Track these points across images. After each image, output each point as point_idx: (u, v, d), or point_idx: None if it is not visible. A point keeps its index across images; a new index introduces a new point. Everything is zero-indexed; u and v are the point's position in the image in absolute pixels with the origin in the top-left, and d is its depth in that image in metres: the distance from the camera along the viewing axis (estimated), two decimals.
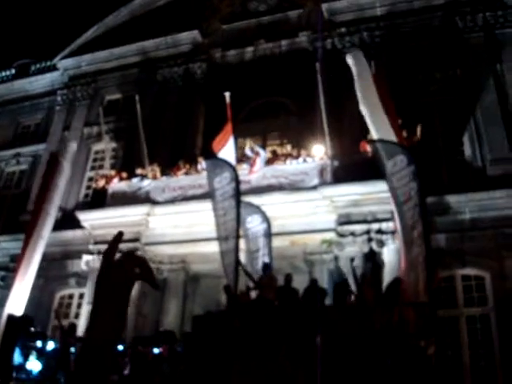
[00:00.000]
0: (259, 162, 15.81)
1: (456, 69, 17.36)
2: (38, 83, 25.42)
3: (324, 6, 19.58)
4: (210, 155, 15.61)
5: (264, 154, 16.20)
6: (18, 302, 15.94)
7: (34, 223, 16.95)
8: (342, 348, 8.06)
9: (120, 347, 12.11)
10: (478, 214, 14.62)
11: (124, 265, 1.81)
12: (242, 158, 16.62)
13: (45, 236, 16.83)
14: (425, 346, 9.47)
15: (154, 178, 17.41)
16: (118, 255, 1.86)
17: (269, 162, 16.24)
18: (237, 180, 13.13)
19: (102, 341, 1.73)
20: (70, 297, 19.02)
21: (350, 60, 14.86)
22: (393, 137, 13.73)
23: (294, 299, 10.63)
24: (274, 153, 16.87)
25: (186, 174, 17.08)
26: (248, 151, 16.55)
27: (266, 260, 13.88)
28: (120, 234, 1.91)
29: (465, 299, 14.40)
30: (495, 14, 17.67)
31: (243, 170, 15.51)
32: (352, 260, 11.90)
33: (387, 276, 13.21)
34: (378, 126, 13.89)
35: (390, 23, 18.78)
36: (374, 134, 13.95)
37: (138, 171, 17.74)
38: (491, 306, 14.03)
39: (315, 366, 7.83)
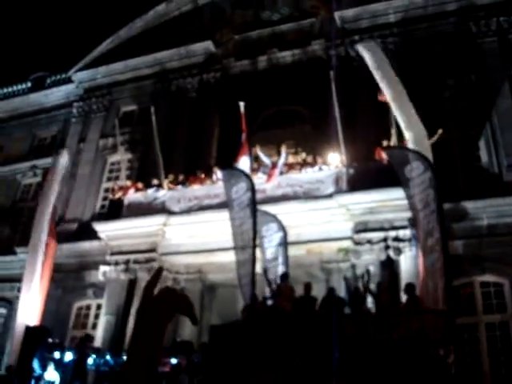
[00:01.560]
0: (277, 173, 15.78)
1: (470, 74, 17.27)
2: (54, 96, 25.67)
3: (337, 14, 19.62)
4: (226, 165, 15.62)
5: (282, 162, 16.11)
6: (28, 312, 16.12)
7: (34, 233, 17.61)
8: (361, 359, 8.01)
9: None
10: (496, 220, 14.50)
11: (164, 300, 1.87)
12: (258, 166, 16.56)
13: (39, 245, 17.18)
14: (444, 355, 9.39)
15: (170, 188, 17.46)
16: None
17: (285, 165, 16.19)
18: (253, 189, 13.09)
19: (140, 366, 1.78)
20: (88, 308, 19.06)
21: (363, 51, 14.79)
22: (423, 131, 13.75)
23: (312, 309, 10.60)
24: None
25: (202, 183, 17.09)
26: (265, 158, 16.51)
27: (282, 269, 13.80)
28: (160, 269, 1.98)
29: (484, 306, 14.23)
30: (509, 19, 17.56)
31: (258, 178, 15.49)
32: (368, 272, 11.68)
33: (404, 284, 13.10)
34: (408, 119, 13.91)
35: (404, 30, 18.77)
36: (404, 129, 13.97)
37: (154, 182, 17.79)
38: (511, 313, 13.87)
39: (333, 376, 7.80)
